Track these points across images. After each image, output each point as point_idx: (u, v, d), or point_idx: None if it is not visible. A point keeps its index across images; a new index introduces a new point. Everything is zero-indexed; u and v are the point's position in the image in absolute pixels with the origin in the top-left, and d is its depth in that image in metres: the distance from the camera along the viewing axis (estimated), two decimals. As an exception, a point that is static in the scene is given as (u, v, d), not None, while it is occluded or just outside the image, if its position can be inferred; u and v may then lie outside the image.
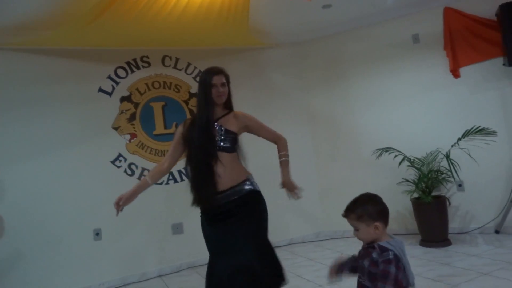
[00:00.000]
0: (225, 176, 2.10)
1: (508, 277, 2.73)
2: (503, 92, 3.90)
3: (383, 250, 1.58)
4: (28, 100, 3.68)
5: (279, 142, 2.35)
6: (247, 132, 2.32)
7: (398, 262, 1.55)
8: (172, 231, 4.12)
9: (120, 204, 2.19)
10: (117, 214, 2.19)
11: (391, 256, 1.55)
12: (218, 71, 2.17)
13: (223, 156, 2.12)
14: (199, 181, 2.11)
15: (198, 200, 2.13)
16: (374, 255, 1.59)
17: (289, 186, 2.28)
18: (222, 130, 2.15)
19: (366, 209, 1.64)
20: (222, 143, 2.13)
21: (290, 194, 2.30)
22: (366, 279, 1.63)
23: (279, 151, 2.34)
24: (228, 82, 2.21)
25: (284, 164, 2.31)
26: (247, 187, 2.16)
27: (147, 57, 4.22)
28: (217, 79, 2.13)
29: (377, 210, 1.65)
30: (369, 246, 1.65)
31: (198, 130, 2.12)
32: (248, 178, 2.20)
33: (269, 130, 2.34)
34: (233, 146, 2.18)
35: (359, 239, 1.68)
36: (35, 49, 3.72)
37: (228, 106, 2.25)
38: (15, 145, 3.60)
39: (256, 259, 2.06)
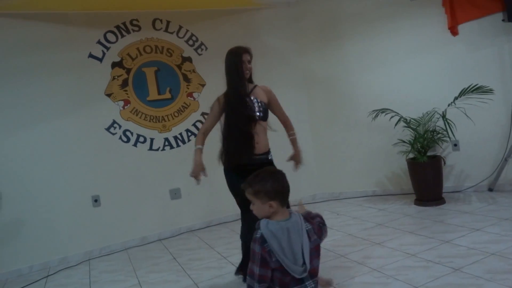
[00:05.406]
0: (260, 142, 2.45)
1: (499, 232, 2.80)
2: (501, 49, 3.83)
3: (256, 228, 1.57)
4: (17, 69, 3.59)
5: (289, 122, 2.71)
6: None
7: (263, 243, 1.51)
8: (170, 196, 4.16)
9: (198, 175, 2.43)
10: (199, 183, 2.43)
11: (257, 235, 1.53)
12: (246, 50, 2.47)
13: (261, 124, 2.46)
14: (240, 142, 2.40)
15: (237, 158, 2.41)
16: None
17: (299, 159, 2.68)
18: (259, 102, 2.46)
19: (265, 186, 1.59)
20: (259, 113, 2.44)
21: (295, 167, 2.69)
22: None
23: (290, 129, 2.71)
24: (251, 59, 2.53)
25: (295, 140, 2.71)
26: (269, 157, 2.56)
27: (137, 20, 4.09)
28: (245, 57, 2.44)
29: (275, 189, 1.60)
30: None
31: (237, 101, 2.41)
32: (270, 149, 2.58)
33: (283, 111, 2.69)
34: (266, 115, 2.51)
35: (254, 213, 1.65)
36: (18, 13, 3.58)
37: (250, 80, 2.56)
38: (5, 115, 3.55)
39: None
